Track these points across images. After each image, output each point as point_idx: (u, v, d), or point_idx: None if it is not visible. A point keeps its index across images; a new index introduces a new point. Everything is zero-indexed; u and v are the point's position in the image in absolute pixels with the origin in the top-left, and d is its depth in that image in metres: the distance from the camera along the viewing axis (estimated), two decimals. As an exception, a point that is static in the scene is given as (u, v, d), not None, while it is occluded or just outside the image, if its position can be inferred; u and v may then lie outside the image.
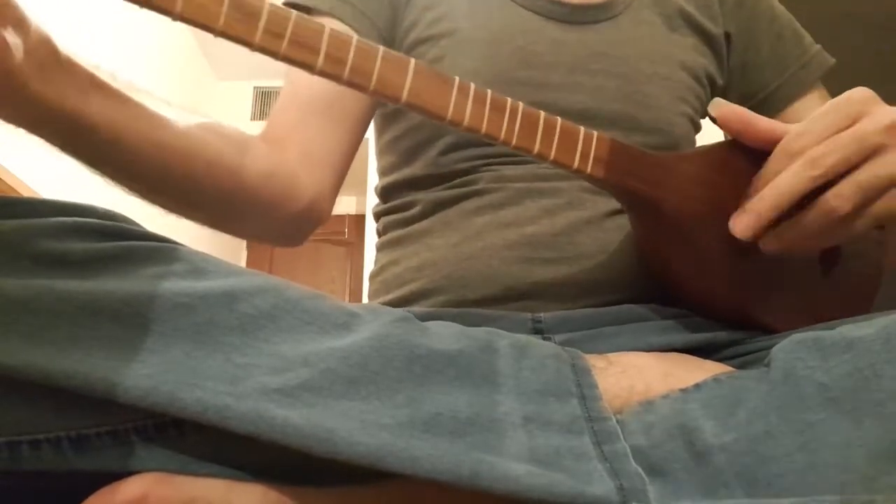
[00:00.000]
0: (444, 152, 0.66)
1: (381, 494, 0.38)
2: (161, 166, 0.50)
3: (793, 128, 0.49)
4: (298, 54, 0.40)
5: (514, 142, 0.46)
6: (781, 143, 0.49)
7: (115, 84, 0.46)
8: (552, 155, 0.47)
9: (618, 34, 0.68)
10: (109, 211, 0.42)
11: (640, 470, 0.37)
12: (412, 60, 0.43)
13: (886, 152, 0.46)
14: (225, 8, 0.38)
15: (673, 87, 0.68)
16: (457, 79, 0.44)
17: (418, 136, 0.68)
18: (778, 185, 0.47)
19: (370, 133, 0.79)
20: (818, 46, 0.76)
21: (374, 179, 0.78)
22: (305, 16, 0.40)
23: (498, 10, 0.68)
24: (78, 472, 0.35)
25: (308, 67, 0.41)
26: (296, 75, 0.68)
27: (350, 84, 0.42)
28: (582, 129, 0.48)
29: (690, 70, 0.70)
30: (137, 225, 0.42)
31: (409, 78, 0.43)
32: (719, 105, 0.51)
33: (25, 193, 2.12)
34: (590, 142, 0.48)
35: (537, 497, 0.34)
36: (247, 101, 4.15)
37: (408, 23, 0.69)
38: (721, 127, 0.52)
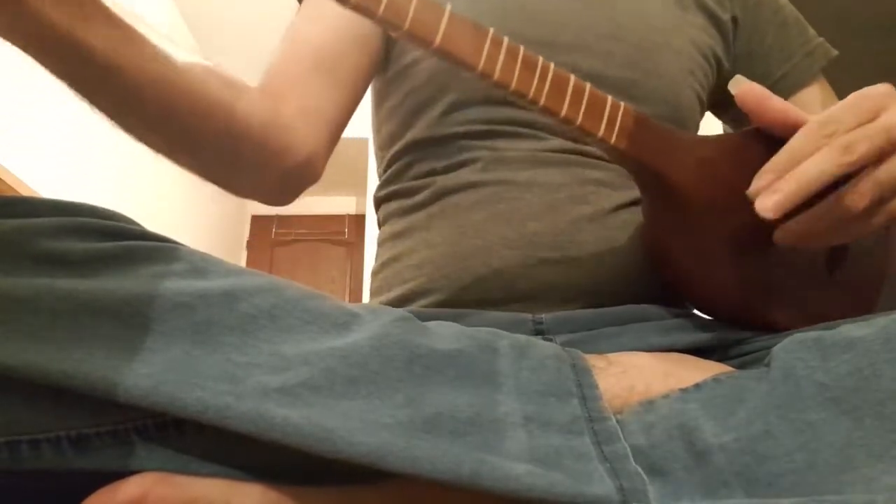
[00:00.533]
0: (447, 112, 0.65)
1: (381, 494, 0.38)
2: (158, 100, 0.50)
3: (812, 116, 0.48)
4: None
5: (542, 101, 0.45)
6: (809, 125, 0.48)
7: (120, 13, 0.46)
8: (579, 119, 0.46)
9: (629, 3, 0.69)
10: (109, 211, 0.42)
11: (640, 470, 0.37)
12: (448, 3, 0.42)
13: None
14: None
15: (682, 61, 0.68)
16: (491, 30, 0.43)
17: (420, 97, 0.68)
18: (808, 167, 0.46)
19: (370, 132, 0.79)
20: (821, 38, 0.77)
21: (373, 179, 0.78)
22: None
23: None
24: (78, 471, 0.35)
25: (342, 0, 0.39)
26: (299, 32, 0.68)
27: (383, 21, 0.41)
28: (609, 97, 0.47)
29: (699, 48, 0.70)
30: (138, 225, 0.42)
31: (444, 22, 0.42)
32: (740, 81, 0.51)
33: (25, 193, 2.12)
34: (616, 111, 0.48)
35: (537, 497, 0.34)
36: (247, 102, 4.15)
37: None
38: (738, 103, 0.52)
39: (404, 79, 0.70)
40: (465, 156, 0.64)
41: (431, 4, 0.41)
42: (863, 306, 0.56)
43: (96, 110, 0.49)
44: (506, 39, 0.44)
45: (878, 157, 0.46)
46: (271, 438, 0.34)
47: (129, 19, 0.46)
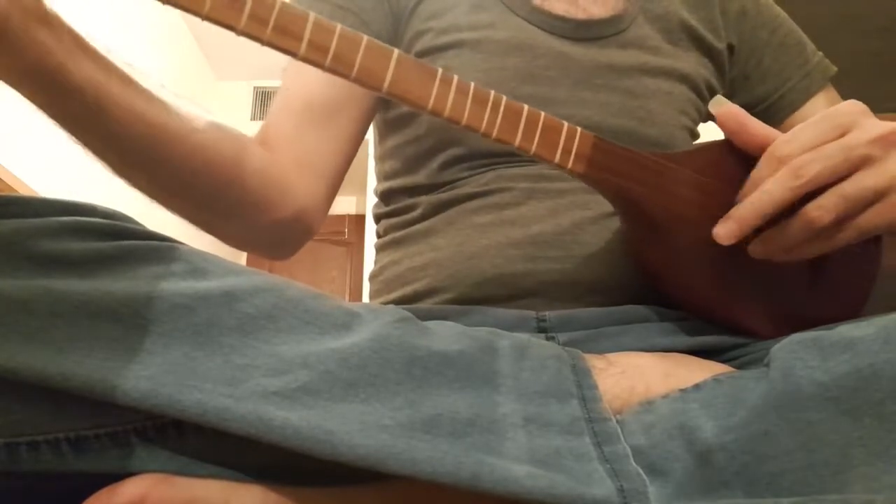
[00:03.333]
0: (447, 165, 0.66)
1: (381, 495, 0.38)
2: (144, 141, 0.50)
3: (782, 135, 0.49)
4: (281, 41, 0.41)
5: (494, 133, 0.46)
6: (769, 148, 0.49)
7: (108, 55, 0.46)
8: (533, 148, 0.47)
9: (622, 50, 0.69)
10: (110, 210, 0.42)
11: (640, 471, 0.37)
12: (395, 50, 0.43)
13: (873, 164, 0.47)
14: None
15: (674, 102, 0.68)
16: (440, 70, 0.45)
17: (421, 147, 0.68)
18: (760, 194, 0.48)
19: (370, 133, 0.79)
20: (820, 55, 0.76)
21: (373, 180, 0.78)
22: (290, 3, 0.41)
23: (503, 24, 0.68)
24: (77, 473, 0.35)
25: (291, 54, 0.42)
26: (292, 83, 0.68)
27: (332, 71, 0.42)
28: (566, 124, 0.48)
29: (692, 83, 0.70)
30: (138, 224, 0.42)
31: (391, 67, 0.43)
32: (720, 103, 0.52)
33: (25, 193, 2.11)
34: (572, 137, 0.48)
35: (538, 498, 0.34)
36: (247, 101, 4.15)
37: (412, 33, 0.69)
38: (719, 125, 0.53)
39: (405, 125, 0.70)
40: (469, 179, 0.65)
41: (378, 51, 0.43)
42: (851, 307, 0.56)
43: (81, 145, 0.49)
44: (455, 77, 0.45)
45: (837, 176, 0.47)
46: (270, 440, 0.34)
47: (116, 61, 0.46)
